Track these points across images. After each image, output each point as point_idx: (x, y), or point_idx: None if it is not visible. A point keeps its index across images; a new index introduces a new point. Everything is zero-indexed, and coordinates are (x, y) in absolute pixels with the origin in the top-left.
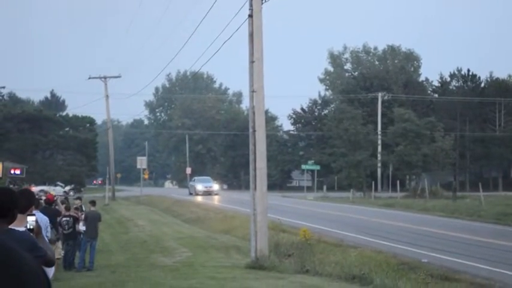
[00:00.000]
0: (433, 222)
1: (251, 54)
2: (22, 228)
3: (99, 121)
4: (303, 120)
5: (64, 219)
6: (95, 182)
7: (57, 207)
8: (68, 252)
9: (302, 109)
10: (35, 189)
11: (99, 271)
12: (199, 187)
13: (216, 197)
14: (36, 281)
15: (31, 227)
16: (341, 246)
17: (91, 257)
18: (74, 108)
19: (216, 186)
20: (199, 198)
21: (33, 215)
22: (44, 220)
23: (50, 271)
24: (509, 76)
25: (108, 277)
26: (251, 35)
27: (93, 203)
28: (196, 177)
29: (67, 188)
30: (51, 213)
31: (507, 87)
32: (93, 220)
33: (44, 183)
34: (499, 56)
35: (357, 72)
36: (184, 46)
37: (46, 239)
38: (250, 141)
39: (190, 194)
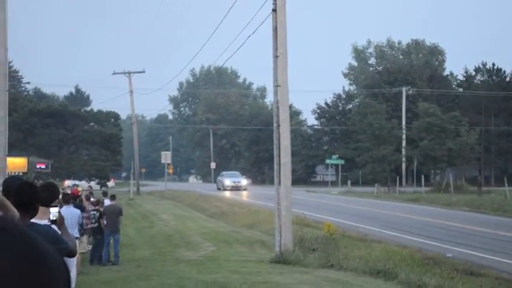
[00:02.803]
0: (458, 217)
1: (275, 48)
2: (45, 221)
3: (123, 116)
4: (327, 115)
5: (91, 212)
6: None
7: (82, 202)
8: (95, 246)
9: (326, 104)
10: (68, 183)
11: (124, 265)
12: (228, 182)
13: (243, 192)
14: (60, 273)
15: (54, 218)
16: (365, 241)
17: (115, 251)
18: (99, 103)
19: (244, 181)
20: (226, 193)
21: (56, 206)
22: (75, 214)
23: (72, 263)
24: None
25: (133, 271)
26: (275, 29)
27: (112, 197)
28: (224, 172)
29: (92, 182)
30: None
31: None
32: (112, 214)
33: (69, 178)
34: None
35: (381, 67)
36: (208, 41)
37: (69, 230)
38: (275, 136)
39: (219, 189)
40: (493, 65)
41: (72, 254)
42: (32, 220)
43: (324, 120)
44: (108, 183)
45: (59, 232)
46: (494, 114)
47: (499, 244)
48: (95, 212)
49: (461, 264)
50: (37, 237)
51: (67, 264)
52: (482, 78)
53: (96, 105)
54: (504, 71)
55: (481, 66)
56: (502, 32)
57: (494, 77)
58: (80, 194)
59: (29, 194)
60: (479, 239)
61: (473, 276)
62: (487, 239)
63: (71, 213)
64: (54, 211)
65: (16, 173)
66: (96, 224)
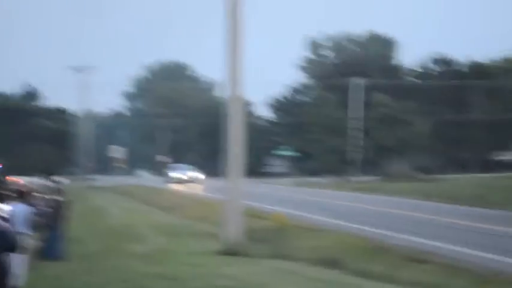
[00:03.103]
0: (409, 206)
1: (228, 41)
2: None
3: (75, 111)
4: (280, 107)
5: (43, 208)
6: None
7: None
8: (45, 242)
9: (279, 95)
10: (15, 179)
11: (72, 260)
12: (179, 175)
13: (195, 185)
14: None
15: (3, 214)
16: (315, 231)
17: (62, 246)
18: (49, 98)
19: (195, 174)
20: (177, 187)
21: (7, 203)
22: (25, 211)
23: (19, 259)
24: (487, 60)
25: (81, 265)
26: (228, 22)
27: (58, 191)
28: (174, 165)
29: (43, 178)
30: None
31: (486, 72)
32: (57, 209)
33: (19, 174)
34: (478, 40)
35: (335, 59)
36: (161, 35)
37: (19, 226)
38: (227, 129)
39: (168, 182)
40: (447, 55)
41: (12, 249)
42: None
43: (277, 112)
44: (58, 179)
45: (6, 227)
46: (446, 104)
47: (449, 232)
48: (46, 209)
49: (408, 251)
50: None
51: (9, 259)
52: (435, 69)
53: (46, 101)
54: (457, 62)
55: (435, 57)
56: (454, 23)
57: (446, 68)
58: (29, 190)
59: None
60: (427, 226)
61: (419, 263)
62: (437, 227)
63: (21, 209)
64: (5, 208)
65: None
66: (46, 220)
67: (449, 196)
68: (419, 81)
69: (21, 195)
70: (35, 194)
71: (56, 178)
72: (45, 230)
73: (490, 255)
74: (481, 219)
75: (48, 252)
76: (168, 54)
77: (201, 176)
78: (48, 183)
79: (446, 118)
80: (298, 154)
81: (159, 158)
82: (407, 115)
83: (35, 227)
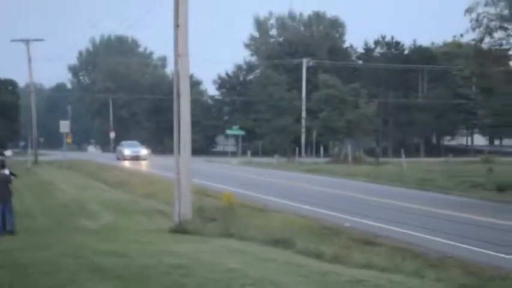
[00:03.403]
0: (356, 188)
1: (176, 18)
2: None
3: (21, 84)
4: (227, 86)
5: None
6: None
7: None
8: None
9: (227, 74)
10: None
11: (21, 234)
12: (127, 152)
13: (143, 162)
14: None
15: None
16: (265, 211)
17: (10, 219)
18: None
19: (144, 151)
20: (125, 163)
21: None
22: None
23: None
24: (433, 44)
25: (31, 240)
26: None
27: (2, 165)
28: (123, 142)
29: None
30: None
31: (430, 55)
32: (1, 183)
33: None
34: (423, 23)
35: (282, 38)
36: (110, 10)
37: None
38: (175, 106)
39: (118, 158)
40: (392, 38)
41: None
42: None
43: (225, 90)
44: (5, 152)
45: None
46: (392, 86)
47: (396, 214)
48: None
49: (359, 233)
50: None
51: None
52: (381, 51)
53: None
54: (402, 45)
55: (380, 39)
56: (401, 5)
57: (393, 50)
58: None
59: None
60: (376, 209)
61: (370, 246)
62: (384, 209)
63: None
64: None
65: None
66: None
67: (398, 179)
68: (365, 63)
69: None
70: None
71: (3, 151)
72: None
73: (439, 239)
74: (429, 202)
75: None
76: (118, 28)
77: (149, 152)
78: None
79: (393, 101)
80: (244, 133)
81: (107, 133)
82: (354, 97)
83: None
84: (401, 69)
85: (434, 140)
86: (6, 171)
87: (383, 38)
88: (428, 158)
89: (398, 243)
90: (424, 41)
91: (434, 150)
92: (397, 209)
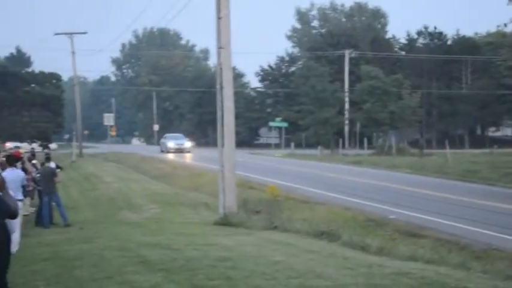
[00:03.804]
0: (400, 179)
1: (218, 10)
2: None
3: (65, 78)
4: (270, 78)
5: (37, 175)
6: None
7: (24, 164)
8: (40, 208)
9: (269, 66)
10: (9, 145)
11: (67, 227)
12: (171, 144)
13: (187, 155)
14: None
15: None
16: (309, 203)
17: (61, 212)
18: (40, 64)
19: (188, 144)
20: (169, 156)
21: None
22: (19, 177)
23: (15, 225)
24: (476, 34)
25: (76, 233)
26: None
27: (47, 159)
28: (167, 134)
29: (34, 144)
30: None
31: (473, 45)
32: (47, 176)
33: (10, 140)
34: (466, 13)
35: (324, 30)
36: (152, 2)
37: (11, 192)
38: (218, 98)
39: (162, 151)
40: (435, 28)
41: (13, 216)
42: None
43: (267, 82)
44: (50, 146)
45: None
46: (436, 77)
47: (440, 206)
48: (37, 175)
49: (404, 225)
50: None
51: (8, 226)
52: (424, 42)
53: (37, 67)
54: (445, 35)
55: (423, 30)
56: None
57: (435, 41)
58: (21, 155)
59: None
60: (421, 201)
61: (415, 238)
62: (429, 201)
63: (15, 175)
64: None
65: None
66: (41, 187)
67: (442, 171)
68: (407, 54)
69: (12, 161)
70: (27, 159)
71: (48, 144)
72: (38, 196)
73: (483, 231)
74: (474, 194)
75: (42, 219)
76: (161, 21)
77: (193, 145)
78: (40, 149)
79: (436, 92)
80: (287, 125)
81: (151, 126)
82: (397, 88)
83: (28, 192)
84: (444, 59)
85: (478, 131)
86: (52, 165)
87: (426, 28)
88: (473, 149)
89: (443, 235)
90: (468, 31)
91: (479, 142)
92: (441, 201)
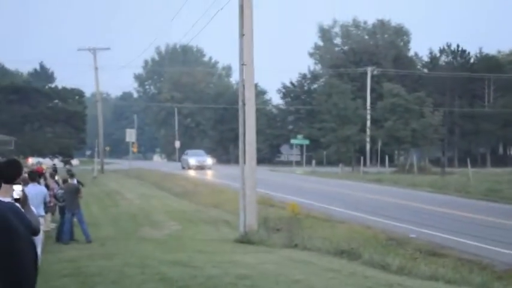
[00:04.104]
0: (422, 198)
1: (241, 27)
2: (8, 199)
3: (88, 93)
4: (292, 95)
5: (59, 191)
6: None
7: (46, 180)
8: (62, 224)
9: (291, 83)
10: (31, 160)
11: (88, 243)
12: (193, 161)
13: (208, 172)
14: (29, 247)
15: (17, 196)
16: (330, 221)
17: (84, 229)
18: (63, 80)
19: (209, 160)
20: (190, 172)
21: (20, 183)
22: (41, 192)
23: (38, 242)
24: (499, 52)
25: (97, 250)
26: (241, 7)
27: (71, 175)
28: (189, 151)
29: (56, 160)
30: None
31: (496, 63)
32: (71, 192)
33: (33, 155)
34: (489, 31)
35: (346, 47)
36: (174, 19)
37: (33, 209)
38: (240, 115)
39: (183, 168)
40: (458, 46)
41: (35, 233)
42: None
43: (289, 99)
44: (72, 161)
45: (22, 210)
46: (458, 95)
47: (462, 225)
48: (62, 191)
49: (424, 244)
50: (7, 212)
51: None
52: (446, 60)
53: (60, 82)
54: (468, 53)
55: (446, 48)
56: (466, 13)
57: (458, 58)
58: (44, 171)
59: None
60: (442, 219)
61: (436, 257)
62: (450, 220)
63: (37, 191)
64: (18, 189)
65: None
66: (63, 203)
67: (464, 190)
68: (430, 71)
69: (35, 177)
70: (49, 175)
71: (70, 160)
72: (63, 212)
73: (506, 250)
74: (496, 213)
75: (63, 235)
76: (183, 38)
77: (214, 162)
78: (61, 165)
79: (458, 110)
80: (308, 143)
81: (172, 142)
82: (419, 106)
83: (49, 208)
84: (467, 77)
85: (500, 150)
86: (74, 181)
87: (448, 46)
88: (495, 168)
89: (465, 255)
90: (490, 49)
91: (501, 160)
92: (463, 220)
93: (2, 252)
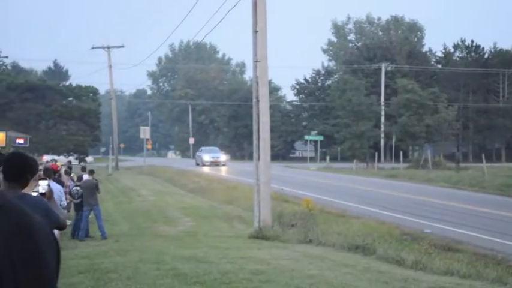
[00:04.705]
0: (436, 193)
1: (255, 23)
2: (34, 193)
3: (102, 91)
4: (306, 91)
5: (74, 188)
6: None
7: (60, 177)
8: (77, 221)
9: (305, 79)
10: (46, 158)
11: (103, 240)
12: (207, 158)
13: (222, 168)
14: (49, 244)
15: (43, 191)
16: (344, 217)
17: (100, 225)
18: (77, 78)
19: (223, 157)
20: (205, 169)
21: (45, 179)
22: (57, 189)
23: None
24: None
25: (112, 246)
26: (255, 4)
27: (90, 172)
28: (203, 148)
29: (71, 157)
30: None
31: (511, 58)
32: (88, 189)
33: (47, 153)
34: (503, 26)
35: (360, 43)
36: (188, 16)
37: (58, 204)
38: (254, 112)
39: (197, 164)
40: (472, 41)
41: (62, 227)
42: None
43: (303, 96)
44: (86, 158)
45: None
46: (472, 90)
47: (477, 220)
48: (77, 188)
49: (439, 239)
50: (23, 208)
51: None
52: (460, 55)
53: (74, 80)
54: (482, 48)
55: (460, 43)
56: (480, 8)
57: (472, 54)
58: (58, 169)
59: (20, 164)
60: (457, 214)
61: (451, 252)
62: (465, 215)
63: (53, 188)
64: (43, 184)
65: None
66: (79, 200)
67: (478, 185)
68: (444, 67)
69: (50, 174)
70: (63, 172)
71: (85, 157)
72: (79, 209)
73: None
74: (511, 208)
75: (79, 231)
76: (198, 35)
77: (228, 158)
78: (76, 162)
79: (472, 105)
80: (322, 139)
81: (186, 139)
82: (433, 101)
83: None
84: (481, 73)
85: None
86: (85, 176)
87: (462, 41)
88: (510, 163)
89: (480, 250)
90: (505, 44)
91: None
92: (478, 215)
93: (24, 252)
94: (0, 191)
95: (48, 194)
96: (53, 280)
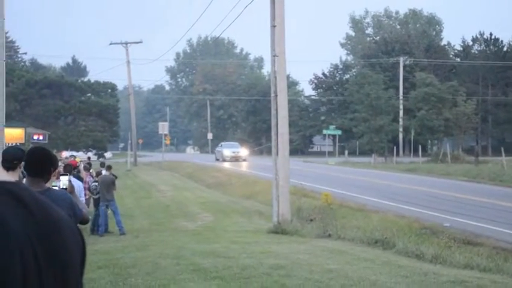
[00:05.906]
0: (455, 187)
1: (272, 18)
2: (55, 188)
3: (120, 87)
4: (324, 85)
5: (93, 184)
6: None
7: (79, 173)
8: (96, 216)
9: (323, 74)
10: (65, 154)
11: (122, 235)
12: (227, 153)
13: (241, 163)
14: (73, 239)
15: (64, 186)
16: (363, 211)
17: (118, 221)
18: (96, 74)
19: (243, 152)
20: (224, 164)
21: (66, 174)
22: (78, 185)
23: None
24: None
25: (132, 241)
26: None
27: (108, 167)
28: (223, 143)
29: (89, 153)
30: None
31: None
32: (105, 184)
33: (66, 149)
34: None
35: (378, 37)
36: (206, 11)
37: (80, 198)
38: (272, 106)
39: (217, 159)
40: (491, 34)
41: (85, 221)
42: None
43: (321, 90)
44: (105, 154)
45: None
46: (491, 84)
47: (496, 213)
48: (96, 184)
49: (459, 233)
50: (49, 203)
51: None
52: (479, 48)
53: (93, 76)
54: (501, 41)
55: (479, 36)
56: (499, 1)
57: (491, 47)
58: (78, 164)
59: (44, 159)
60: (476, 208)
61: (470, 246)
62: (484, 209)
63: (74, 183)
64: (64, 179)
65: (13, 144)
66: (98, 196)
67: (498, 178)
68: (463, 61)
69: (71, 169)
70: (83, 168)
71: (103, 153)
72: (98, 205)
73: None
74: None
75: (99, 227)
76: (215, 30)
77: (246, 153)
78: (95, 158)
79: (491, 99)
80: (341, 133)
81: (205, 134)
82: (452, 95)
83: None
84: (500, 66)
85: None
86: (104, 172)
87: (481, 34)
88: None
89: (500, 243)
90: None
91: None
92: (497, 208)
93: (52, 253)
94: (24, 186)
95: (70, 189)
96: (79, 285)
